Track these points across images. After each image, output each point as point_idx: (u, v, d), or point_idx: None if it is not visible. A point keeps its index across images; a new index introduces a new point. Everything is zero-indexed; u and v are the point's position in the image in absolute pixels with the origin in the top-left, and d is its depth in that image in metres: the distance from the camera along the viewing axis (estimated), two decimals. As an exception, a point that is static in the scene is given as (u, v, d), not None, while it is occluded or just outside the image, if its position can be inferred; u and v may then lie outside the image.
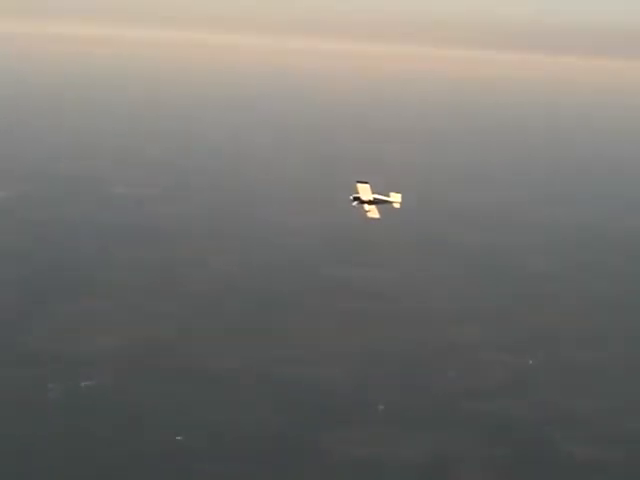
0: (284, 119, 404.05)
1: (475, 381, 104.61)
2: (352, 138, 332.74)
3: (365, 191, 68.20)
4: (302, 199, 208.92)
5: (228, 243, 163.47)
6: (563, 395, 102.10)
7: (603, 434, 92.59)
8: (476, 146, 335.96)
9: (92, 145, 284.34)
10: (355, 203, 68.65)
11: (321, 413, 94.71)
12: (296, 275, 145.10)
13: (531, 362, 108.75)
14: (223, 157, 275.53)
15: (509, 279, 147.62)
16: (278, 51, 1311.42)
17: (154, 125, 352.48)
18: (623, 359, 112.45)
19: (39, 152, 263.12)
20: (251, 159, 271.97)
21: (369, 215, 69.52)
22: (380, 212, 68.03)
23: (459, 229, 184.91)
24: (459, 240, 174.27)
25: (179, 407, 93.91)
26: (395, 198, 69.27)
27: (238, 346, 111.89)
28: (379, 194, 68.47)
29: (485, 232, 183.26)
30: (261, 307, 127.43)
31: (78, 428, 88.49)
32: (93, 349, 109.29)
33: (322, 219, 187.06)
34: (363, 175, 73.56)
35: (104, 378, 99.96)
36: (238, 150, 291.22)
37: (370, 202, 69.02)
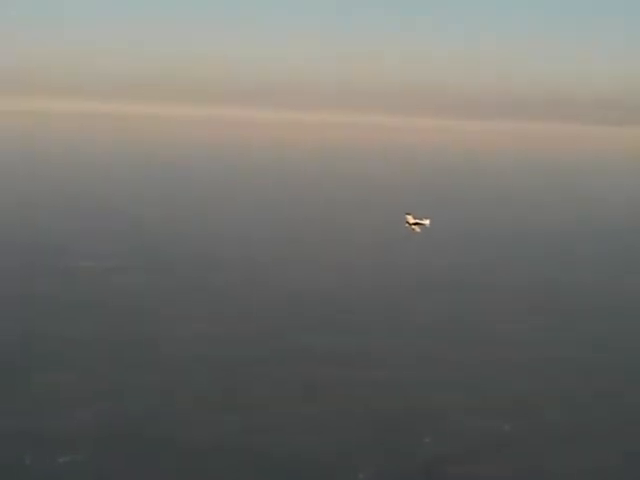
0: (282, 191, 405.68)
1: (451, 447, 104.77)
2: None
3: (410, 218, 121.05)
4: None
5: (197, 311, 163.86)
6: (543, 460, 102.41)
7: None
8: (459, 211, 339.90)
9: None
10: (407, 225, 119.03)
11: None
12: (263, 342, 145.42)
13: (507, 427, 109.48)
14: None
15: (479, 344, 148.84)
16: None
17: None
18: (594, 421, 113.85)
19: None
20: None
21: (414, 229, 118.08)
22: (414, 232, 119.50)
23: (425, 293, 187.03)
24: (426, 305, 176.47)
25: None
26: (426, 222, 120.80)
27: (214, 415, 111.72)
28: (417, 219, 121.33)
29: (446, 295, 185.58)
30: (227, 373, 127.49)
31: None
32: (68, 423, 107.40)
33: (294, 287, 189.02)
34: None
35: (81, 453, 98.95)
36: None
37: (414, 224, 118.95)
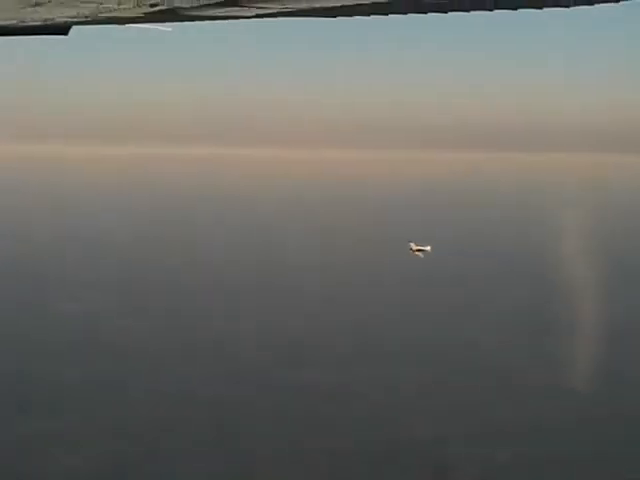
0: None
1: (444, 477, 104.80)
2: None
3: (413, 245, 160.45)
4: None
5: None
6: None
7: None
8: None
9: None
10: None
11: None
12: (246, 380, 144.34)
13: (498, 456, 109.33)
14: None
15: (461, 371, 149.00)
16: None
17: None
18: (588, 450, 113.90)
19: None
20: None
21: (417, 254, 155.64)
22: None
23: (398, 322, 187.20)
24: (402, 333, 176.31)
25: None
26: (427, 247, 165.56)
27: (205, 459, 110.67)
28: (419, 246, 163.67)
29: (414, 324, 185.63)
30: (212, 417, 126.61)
31: None
32: (55, 470, 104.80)
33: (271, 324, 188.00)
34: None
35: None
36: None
37: (417, 250, 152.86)
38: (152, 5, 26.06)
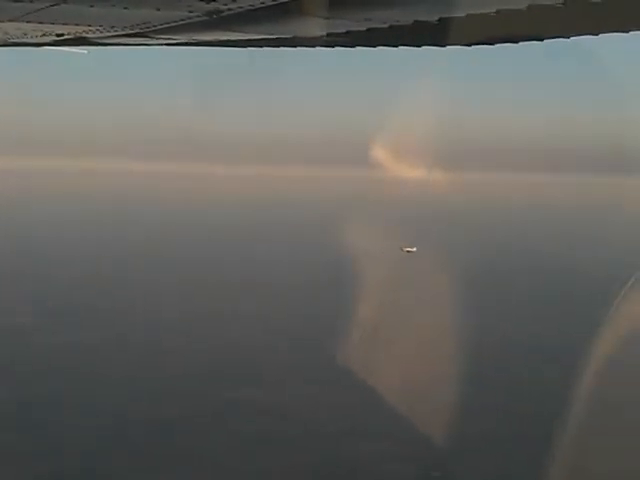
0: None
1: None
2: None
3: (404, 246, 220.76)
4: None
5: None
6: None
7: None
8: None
9: None
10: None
11: None
12: (192, 398, 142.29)
13: (435, 474, 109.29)
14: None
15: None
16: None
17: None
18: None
19: None
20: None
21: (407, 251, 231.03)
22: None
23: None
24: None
25: None
26: (412, 248, 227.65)
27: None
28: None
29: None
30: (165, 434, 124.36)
31: None
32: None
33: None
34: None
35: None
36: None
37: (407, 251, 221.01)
38: (58, 35, 24.99)
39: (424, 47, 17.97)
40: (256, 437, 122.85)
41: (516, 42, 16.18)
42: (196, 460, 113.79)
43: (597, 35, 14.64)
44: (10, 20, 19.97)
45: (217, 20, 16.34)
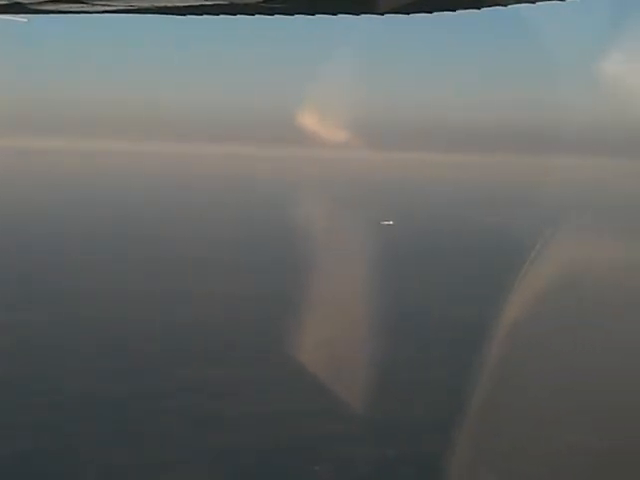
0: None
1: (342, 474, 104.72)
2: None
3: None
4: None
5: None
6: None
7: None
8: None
9: None
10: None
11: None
12: (147, 381, 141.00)
13: (392, 452, 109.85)
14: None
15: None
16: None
17: None
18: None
19: None
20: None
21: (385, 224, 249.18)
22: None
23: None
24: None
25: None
26: (389, 222, 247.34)
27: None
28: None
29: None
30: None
31: None
32: None
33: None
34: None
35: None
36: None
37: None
38: (-8, -1, 23.90)
39: (362, 15, 17.41)
40: (206, 417, 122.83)
41: (454, 10, 15.73)
42: (148, 439, 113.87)
43: (534, 3, 14.26)
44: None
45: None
